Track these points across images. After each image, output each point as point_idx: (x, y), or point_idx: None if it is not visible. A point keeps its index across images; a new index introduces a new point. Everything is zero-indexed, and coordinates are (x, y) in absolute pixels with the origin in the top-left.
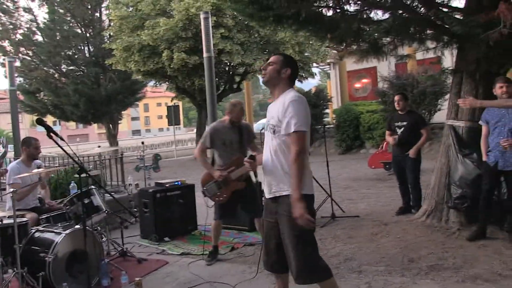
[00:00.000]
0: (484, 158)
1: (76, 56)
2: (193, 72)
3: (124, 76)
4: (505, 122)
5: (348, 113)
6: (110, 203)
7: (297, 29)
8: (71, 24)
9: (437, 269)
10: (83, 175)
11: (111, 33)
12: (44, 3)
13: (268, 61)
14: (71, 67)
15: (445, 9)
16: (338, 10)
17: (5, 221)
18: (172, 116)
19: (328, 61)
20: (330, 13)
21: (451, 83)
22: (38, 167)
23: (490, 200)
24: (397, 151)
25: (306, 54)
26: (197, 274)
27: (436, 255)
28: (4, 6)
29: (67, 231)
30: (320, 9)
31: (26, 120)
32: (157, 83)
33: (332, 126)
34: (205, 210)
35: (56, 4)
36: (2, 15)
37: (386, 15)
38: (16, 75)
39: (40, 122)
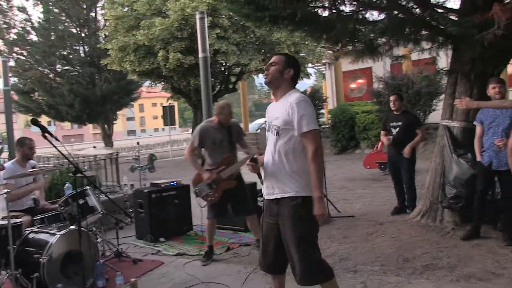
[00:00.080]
0: (478, 158)
1: (71, 56)
2: (189, 72)
3: (120, 76)
4: (499, 123)
5: (344, 113)
6: (105, 204)
7: (293, 30)
8: (66, 24)
9: (432, 268)
10: (78, 175)
11: (107, 33)
12: (38, 2)
13: (270, 62)
14: (66, 67)
15: (440, 10)
16: (333, 11)
17: None
18: (168, 116)
19: (323, 61)
20: (325, 13)
21: (446, 84)
22: (33, 168)
23: (484, 200)
24: (392, 151)
25: (301, 54)
26: (193, 275)
27: (430, 254)
28: None
29: (62, 232)
30: (315, 10)
31: (21, 120)
32: (152, 83)
33: (327, 126)
34: (200, 211)
35: (51, 3)
36: None
37: (382, 16)
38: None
39: (35, 122)
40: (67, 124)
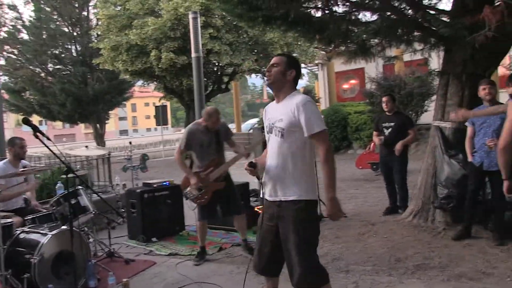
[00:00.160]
0: (469, 159)
1: (63, 55)
2: (181, 72)
3: (112, 75)
4: (490, 123)
5: (336, 114)
6: (97, 204)
7: (286, 30)
8: (57, 23)
9: (423, 268)
10: (70, 175)
11: (99, 32)
12: (29, 0)
13: (272, 63)
14: (58, 66)
15: (432, 12)
16: (326, 11)
17: None
18: (160, 116)
19: (316, 62)
20: (318, 14)
21: (438, 85)
22: (24, 167)
23: (475, 200)
24: (384, 151)
25: (294, 54)
26: (185, 275)
27: (422, 254)
28: None
29: (53, 232)
30: (308, 10)
31: (11, 119)
32: (145, 83)
33: None
34: (192, 211)
35: (42, 2)
36: None
37: (374, 17)
38: (0, 73)
39: (26, 121)
40: (58, 124)
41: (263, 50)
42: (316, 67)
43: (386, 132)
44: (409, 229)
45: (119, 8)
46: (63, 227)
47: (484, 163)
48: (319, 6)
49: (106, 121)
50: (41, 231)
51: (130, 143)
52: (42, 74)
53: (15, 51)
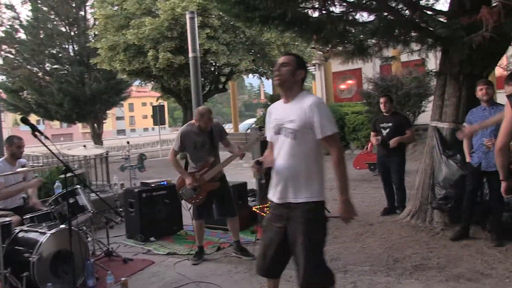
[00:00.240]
0: (467, 159)
1: (60, 55)
2: (179, 72)
3: (109, 75)
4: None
5: (333, 114)
6: (96, 203)
7: (283, 30)
8: (55, 22)
9: (422, 268)
10: (69, 174)
11: (96, 32)
12: (27, 0)
13: (281, 62)
14: (55, 66)
15: (429, 12)
16: (324, 12)
17: None
18: (158, 116)
19: (313, 62)
20: (316, 14)
21: (435, 85)
22: (23, 167)
23: (473, 200)
24: (382, 152)
25: None
26: (183, 274)
27: (420, 255)
28: None
29: (52, 231)
30: (306, 10)
31: (9, 119)
32: (142, 82)
33: None
34: (187, 210)
35: (39, 1)
36: None
37: (372, 17)
38: None
39: (25, 121)
40: (56, 123)
41: (260, 50)
42: (313, 67)
43: (384, 132)
44: (407, 230)
45: (116, 8)
46: (62, 226)
47: (482, 164)
48: (316, 6)
49: (104, 121)
50: (40, 230)
51: (128, 142)
52: (40, 74)
53: (13, 51)
